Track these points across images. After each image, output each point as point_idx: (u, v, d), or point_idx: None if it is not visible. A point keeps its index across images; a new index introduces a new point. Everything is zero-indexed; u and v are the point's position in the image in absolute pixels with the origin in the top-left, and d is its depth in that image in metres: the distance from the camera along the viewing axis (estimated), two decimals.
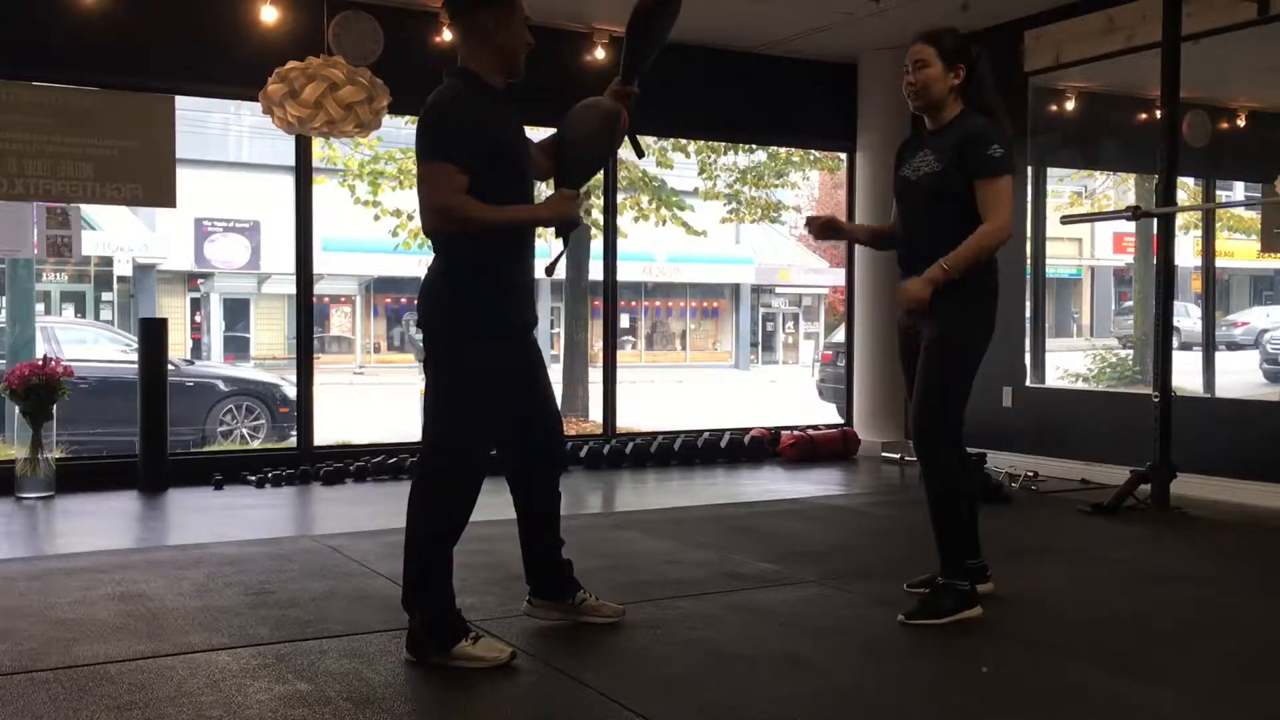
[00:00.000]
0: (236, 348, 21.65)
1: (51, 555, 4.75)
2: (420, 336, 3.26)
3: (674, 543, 4.90)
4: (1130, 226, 7.70)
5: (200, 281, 21.52)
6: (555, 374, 7.86)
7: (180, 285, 21.32)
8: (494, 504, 3.35)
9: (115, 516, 5.75)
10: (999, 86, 3.90)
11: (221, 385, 10.05)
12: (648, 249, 20.58)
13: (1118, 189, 10.39)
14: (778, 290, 28.09)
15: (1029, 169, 7.36)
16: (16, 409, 6.17)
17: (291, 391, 8.35)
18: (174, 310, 19.66)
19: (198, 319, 21.77)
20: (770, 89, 8.08)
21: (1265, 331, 12.03)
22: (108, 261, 19.02)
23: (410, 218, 11.47)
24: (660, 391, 17.76)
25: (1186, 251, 8.76)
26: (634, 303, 25.80)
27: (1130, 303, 13.40)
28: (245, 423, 9.86)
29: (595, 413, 8.19)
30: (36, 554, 4.79)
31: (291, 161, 7.07)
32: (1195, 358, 8.32)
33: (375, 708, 2.81)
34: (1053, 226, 7.55)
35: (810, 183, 23.63)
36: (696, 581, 4.15)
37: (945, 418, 3.64)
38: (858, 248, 8.21)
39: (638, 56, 3.30)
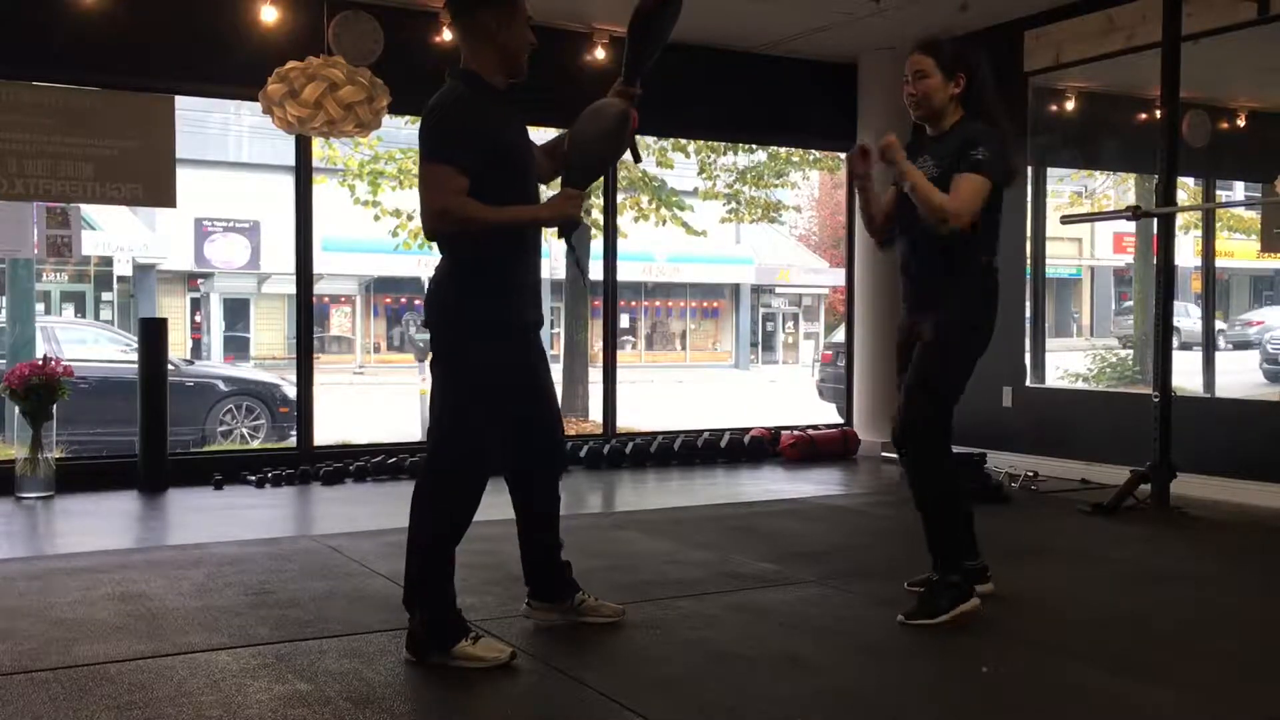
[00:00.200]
0: (236, 348, 21.65)
1: (51, 555, 4.75)
2: (425, 337, 3.26)
3: (674, 543, 4.90)
4: (1130, 226, 7.70)
5: (200, 281, 21.52)
6: (555, 374, 7.86)
7: (180, 285, 21.32)
8: (494, 504, 3.35)
9: (115, 516, 5.75)
10: (1001, 89, 3.89)
11: (221, 385, 10.06)
12: (648, 249, 20.57)
13: (1118, 189, 10.39)
14: (778, 290, 28.10)
15: (1029, 169, 7.37)
16: (16, 409, 6.17)
17: (291, 391, 8.35)
18: (174, 310, 19.66)
19: (198, 319, 21.77)
20: (770, 89, 8.08)
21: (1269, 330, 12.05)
22: (108, 261, 19.01)
23: (410, 218, 11.47)
24: (660, 391, 17.76)
25: (1186, 251, 8.76)
26: (634, 303, 25.80)
27: (1130, 303, 13.40)
28: (245, 423, 9.86)
29: (595, 413, 8.19)
30: (36, 554, 4.80)
31: (291, 161, 7.07)
32: (1195, 357, 8.32)
33: (375, 708, 2.81)
34: (1053, 226, 7.55)
35: (810, 183, 23.64)
36: (696, 581, 4.15)
37: (935, 418, 3.63)
38: (857, 248, 8.21)
39: (640, 57, 3.30)
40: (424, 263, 20.46)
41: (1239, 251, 12.05)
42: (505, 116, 3.22)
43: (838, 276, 21.56)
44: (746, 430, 8.19)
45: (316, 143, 7.45)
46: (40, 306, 14.72)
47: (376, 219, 11.43)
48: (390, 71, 6.39)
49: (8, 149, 6.11)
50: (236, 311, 22.16)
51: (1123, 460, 6.08)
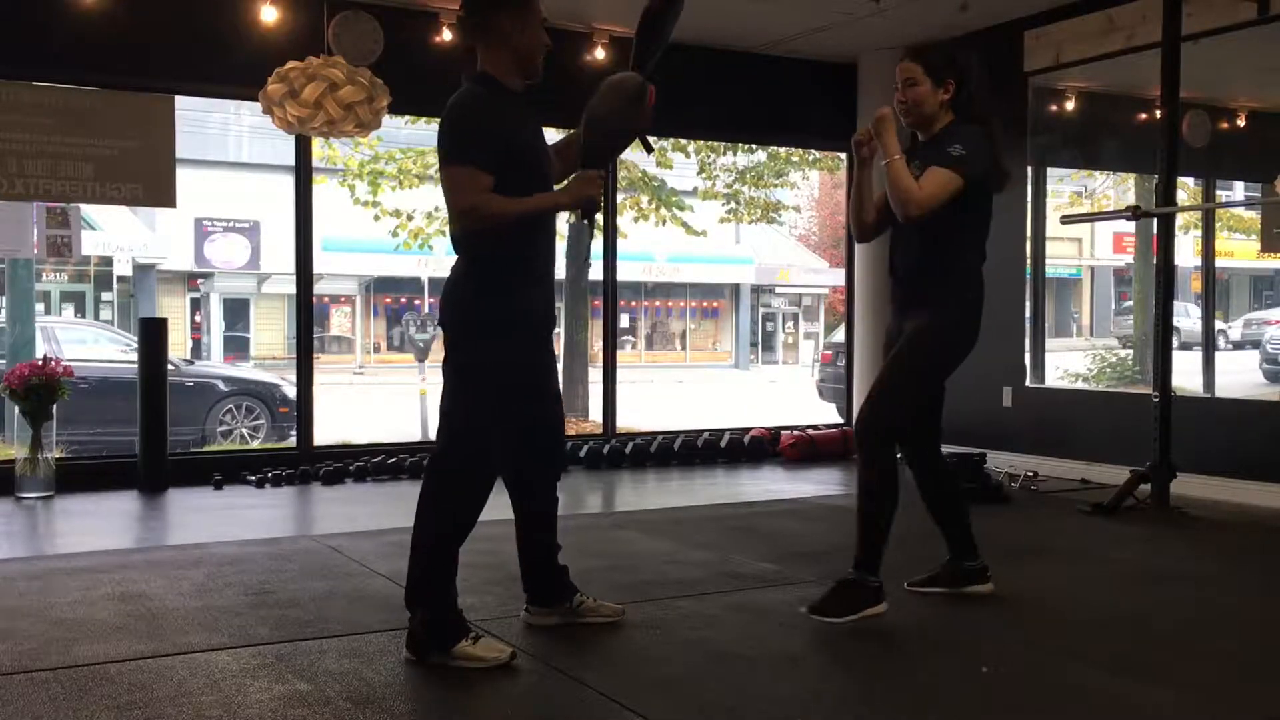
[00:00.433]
0: (236, 348, 21.65)
1: (51, 555, 4.75)
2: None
3: (674, 543, 4.90)
4: (1130, 226, 7.70)
5: (200, 281, 21.51)
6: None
7: (180, 285, 21.32)
8: (495, 504, 3.35)
9: (115, 516, 5.75)
10: (998, 89, 3.88)
11: (221, 385, 10.06)
12: (648, 249, 20.58)
13: (1118, 189, 10.38)
14: (778, 290, 28.09)
15: (1029, 169, 7.37)
16: (16, 409, 6.17)
17: (291, 391, 8.35)
18: (174, 310, 19.65)
19: (198, 319, 21.77)
20: (770, 89, 8.08)
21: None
22: (108, 261, 19.01)
23: (409, 218, 11.47)
24: (660, 391, 17.76)
25: (1186, 251, 8.75)
26: (634, 303, 25.80)
27: (1130, 303, 13.39)
28: (245, 423, 9.86)
29: (595, 413, 8.19)
30: (36, 554, 4.80)
31: (291, 161, 7.08)
32: (1195, 357, 8.32)
33: (375, 708, 2.81)
34: (1053, 226, 7.55)
35: (810, 183, 23.64)
36: (696, 581, 4.15)
37: (889, 417, 3.63)
38: (857, 248, 8.21)
39: (648, 55, 3.30)
40: (424, 263, 20.59)
41: (1239, 251, 12.04)
42: (521, 118, 3.24)
43: (838, 276, 21.56)
44: (746, 430, 8.19)
45: (316, 143, 7.45)
46: (40, 306, 14.72)
47: (376, 219, 11.43)
48: (390, 71, 6.39)
49: (8, 149, 6.11)
50: (236, 311, 22.15)
51: (1123, 460, 6.08)
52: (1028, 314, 7.44)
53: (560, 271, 3.67)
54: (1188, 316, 9.41)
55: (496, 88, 3.20)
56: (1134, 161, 8.67)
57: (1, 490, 6.11)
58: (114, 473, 6.54)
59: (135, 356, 6.89)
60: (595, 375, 8.37)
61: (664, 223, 12.24)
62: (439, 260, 19.80)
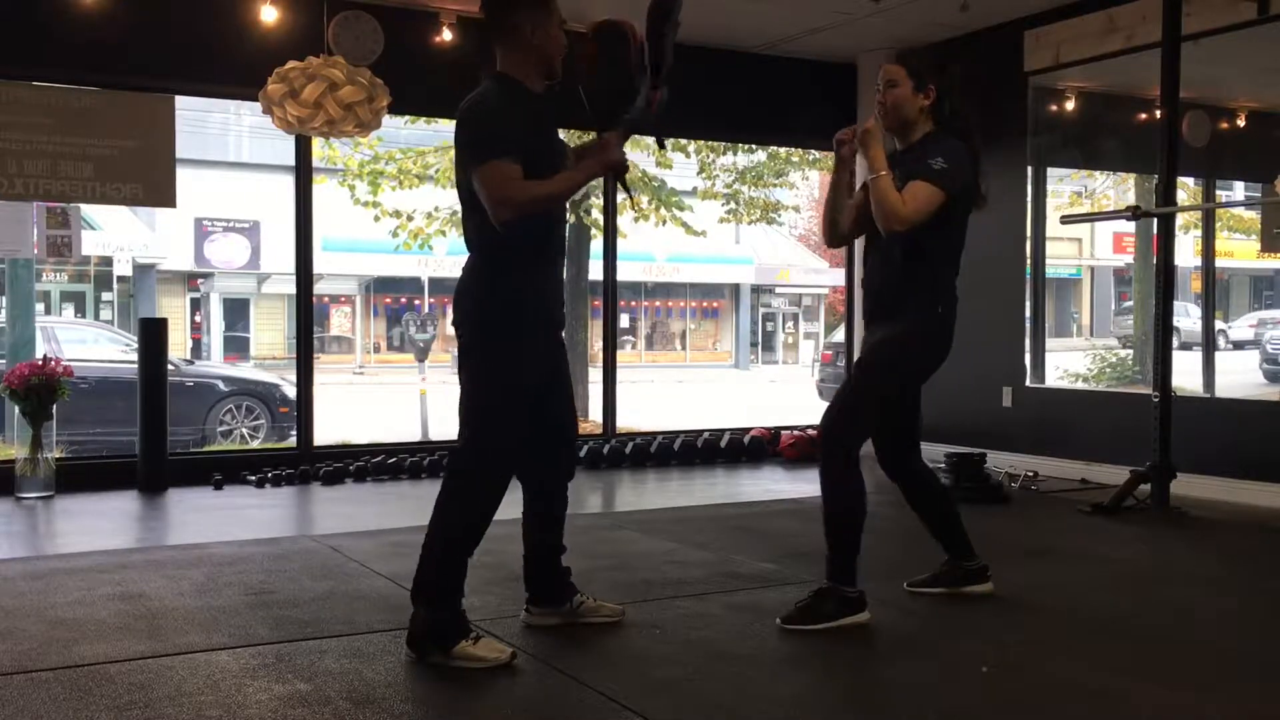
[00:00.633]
0: (236, 348, 21.65)
1: (51, 555, 4.75)
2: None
3: (674, 543, 4.90)
4: (1130, 226, 7.69)
5: (200, 281, 21.51)
6: None
7: (180, 285, 21.32)
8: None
9: (115, 516, 5.75)
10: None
11: (221, 385, 10.06)
12: (648, 249, 20.58)
13: (1118, 189, 10.38)
14: (778, 290, 28.09)
15: (1029, 169, 7.37)
16: (16, 409, 6.17)
17: (291, 391, 8.35)
18: (174, 310, 19.65)
19: (198, 319, 21.77)
20: (770, 89, 8.08)
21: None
22: (108, 261, 19.01)
23: (409, 218, 11.47)
24: (660, 391, 17.76)
25: (1186, 251, 8.75)
26: (634, 303, 25.80)
27: (1130, 303, 13.39)
28: (245, 423, 9.86)
29: (595, 413, 8.19)
30: (36, 554, 4.80)
31: (291, 161, 7.08)
32: (1195, 357, 8.32)
33: (375, 708, 2.81)
34: (1053, 226, 7.55)
35: (810, 183, 23.63)
36: (696, 581, 4.15)
37: (851, 427, 3.62)
38: (858, 248, 8.21)
39: (661, 57, 3.32)
40: (424, 263, 20.59)
41: (1239, 251, 12.04)
42: (538, 120, 3.25)
43: (837, 276, 21.56)
44: (746, 430, 8.19)
45: (316, 143, 7.45)
46: (40, 306, 14.73)
47: (376, 219, 11.42)
48: (390, 71, 6.40)
49: (8, 149, 6.11)
50: (236, 311, 22.15)
51: (1123, 460, 6.08)
52: (1028, 314, 7.44)
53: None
54: (1188, 316, 9.41)
55: (515, 87, 3.22)
56: (1134, 161, 8.67)
57: (1, 490, 6.11)
58: (114, 473, 6.54)
59: (135, 356, 6.89)
60: (595, 375, 8.38)
61: (664, 223, 12.24)
62: (439, 260, 19.86)
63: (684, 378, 22.44)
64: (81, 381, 7.35)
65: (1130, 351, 10.67)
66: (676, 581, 4.16)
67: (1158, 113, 5.98)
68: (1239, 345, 12.47)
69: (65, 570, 4.34)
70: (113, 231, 18.34)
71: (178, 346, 19.26)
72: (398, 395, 14.41)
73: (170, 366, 6.97)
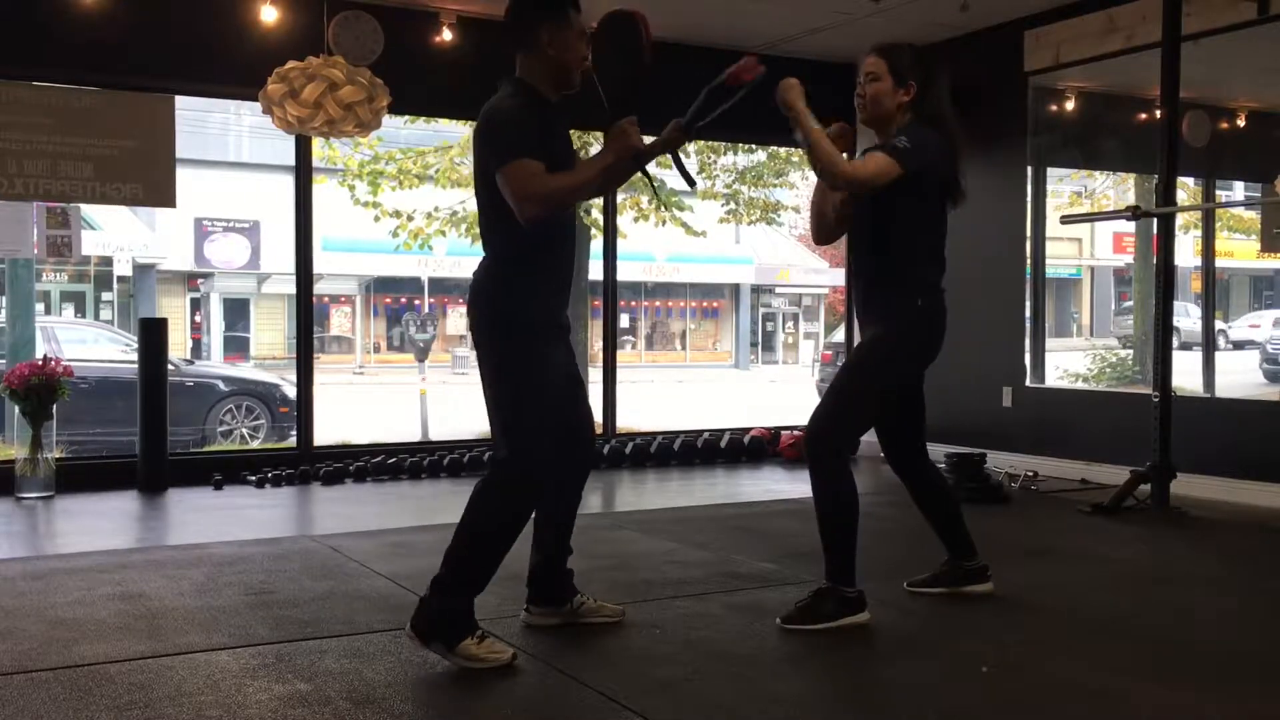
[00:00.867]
0: (236, 348, 21.66)
1: (51, 555, 4.75)
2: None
3: (674, 543, 4.90)
4: (1130, 226, 7.69)
5: (200, 281, 21.52)
6: None
7: (180, 285, 21.32)
8: None
9: (115, 516, 5.75)
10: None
11: (221, 385, 10.06)
12: (648, 249, 20.58)
13: (1118, 189, 10.38)
14: (778, 290, 28.10)
15: (1029, 169, 7.37)
16: (16, 409, 6.17)
17: (291, 391, 8.35)
18: (174, 310, 19.65)
19: (198, 319, 21.77)
20: (770, 89, 8.05)
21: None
22: (108, 261, 19.01)
23: (409, 218, 11.47)
24: (660, 391, 17.76)
25: (1186, 251, 8.75)
26: (634, 303, 25.80)
27: (1130, 303, 13.39)
28: (245, 423, 9.86)
29: (595, 413, 8.18)
30: (36, 554, 4.80)
31: (291, 161, 7.08)
32: (1195, 357, 8.32)
33: (375, 707, 2.81)
34: (1053, 226, 7.55)
35: (809, 182, 23.62)
36: (696, 581, 4.15)
37: (838, 428, 3.61)
38: None
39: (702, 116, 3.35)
40: (424, 263, 20.60)
41: (1239, 251, 12.04)
42: (552, 127, 3.27)
43: (837, 276, 21.56)
44: (746, 430, 8.19)
45: (316, 143, 7.45)
46: (40, 306, 14.73)
47: (376, 219, 11.43)
48: (390, 71, 6.40)
49: (8, 149, 6.11)
50: (236, 311, 22.15)
51: (1123, 460, 6.08)
52: (1028, 314, 7.43)
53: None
54: (1188, 316, 9.41)
55: (532, 94, 3.24)
56: (1134, 161, 8.67)
57: (1, 490, 6.11)
58: (114, 473, 6.54)
59: (135, 356, 6.89)
60: (595, 375, 8.38)
61: (663, 223, 12.25)
62: (439, 260, 19.88)
63: (684, 378, 22.44)
64: (81, 381, 7.35)
65: (1130, 351, 10.68)
66: (676, 581, 4.16)
67: (1158, 113, 5.98)
68: (1239, 345, 12.47)
69: (65, 570, 4.34)
70: (113, 231, 18.34)
71: (178, 346, 19.26)
72: (398, 395, 14.42)
73: (170, 366, 6.97)
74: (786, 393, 17.68)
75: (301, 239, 7.01)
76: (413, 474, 6.97)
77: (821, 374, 15.04)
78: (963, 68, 7.18)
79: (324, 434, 7.55)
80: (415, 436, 10.61)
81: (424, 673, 3.09)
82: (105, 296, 20.11)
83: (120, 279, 19.53)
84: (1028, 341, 7.45)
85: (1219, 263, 9.27)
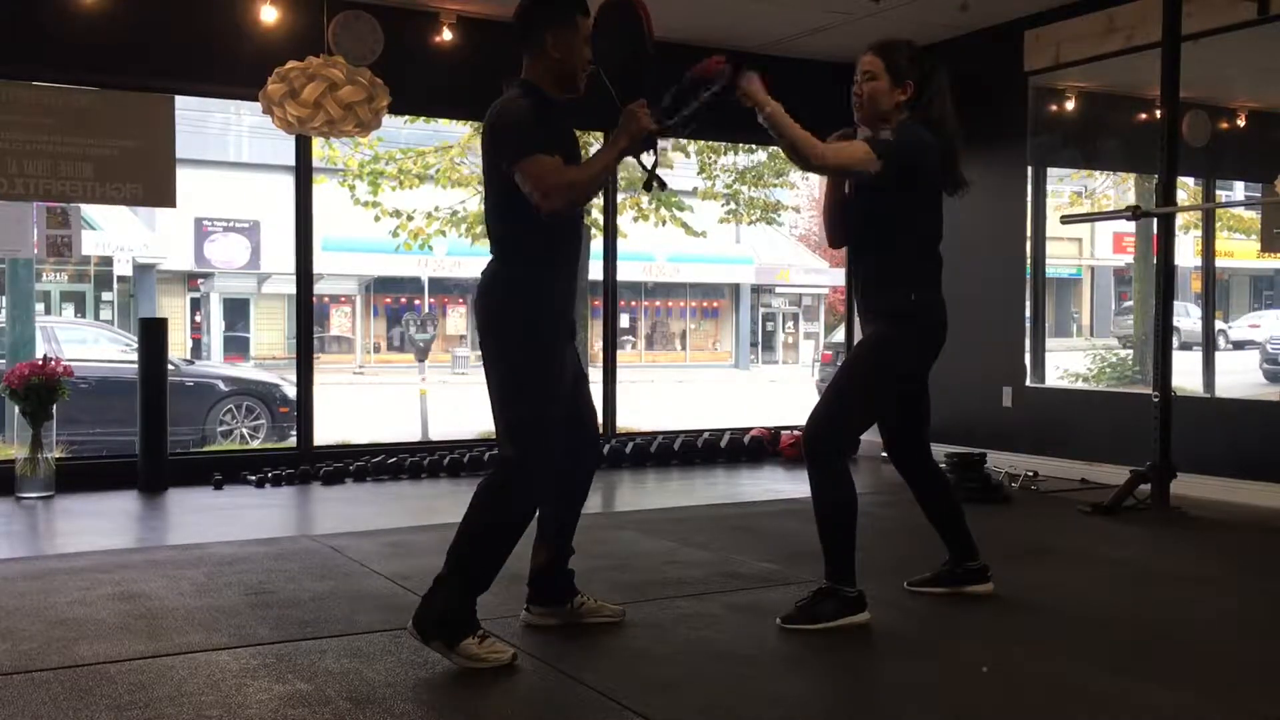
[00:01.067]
0: (236, 348, 21.66)
1: (51, 555, 4.75)
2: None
3: (674, 543, 4.90)
4: (1130, 226, 7.70)
5: (200, 281, 21.52)
6: None
7: (180, 285, 21.32)
8: None
9: (115, 516, 5.75)
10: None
11: (221, 385, 10.06)
12: (648, 249, 20.58)
13: (1118, 189, 10.38)
14: (778, 290, 28.09)
15: (1029, 169, 7.37)
16: (16, 409, 6.17)
17: (291, 391, 8.35)
18: (174, 310, 19.66)
19: (198, 319, 21.77)
20: (770, 89, 8.06)
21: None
22: (108, 261, 19.02)
23: (409, 218, 11.47)
24: (660, 391, 17.76)
25: (1186, 251, 8.75)
26: (634, 303, 25.80)
27: (1130, 303, 13.39)
28: (245, 423, 9.86)
29: (596, 412, 8.20)
30: (36, 554, 4.80)
31: (291, 161, 7.07)
32: (1195, 357, 8.32)
33: (375, 707, 2.81)
34: (1053, 226, 7.55)
35: (810, 182, 23.64)
36: (696, 581, 4.15)
37: (836, 428, 3.61)
38: None
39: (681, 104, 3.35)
40: (424, 263, 20.60)
41: (1239, 251, 12.04)
42: (560, 128, 3.30)
43: (838, 276, 21.56)
44: (746, 430, 8.19)
45: (316, 143, 7.45)
46: (40, 306, 14.73)
47: (376, 219, 11.43)
48: (390, 71, 6.39)
49: (8, 149, 6.11)
50: (236, 311, 22.16)
51: (1123, 460, 6.08)
52: (1028, 314, 7.43)
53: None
54: (1188, 316, 9.41)
55: (539, 95, 3.26)
56: (1134, 161, 8.67)
57: (1, 490, 6.11)
58: (114, 473, 6.54)
59: (135, 356, 6.89)
60: (595, 375, 8.37)
61: (664, 223, 12.25)
62: (439, 260, 19.88)
63: (684, 378, 22.44)
64: (81, 381, 7.35)
65: (1130, 351, 10.68)
66: (676, 581, 4.16)
67: (1158, 113, 5.98)
68: (1239, 345, 12.47)
69: (65, 570, 4.34)
70: (113, 231, 18.34)
71: (178, 346, 19.27)
72: (398, 395, 14.42)
73: (170, 366, 6.97)
74: (786, 393, 17.68)
75: (301, 239, 7.01)
76: (413, 474, 6.97)
77: (821, 374, 15.03)
78: (963, 68, 7.17)
79: (324, 434, 7.55)
80: (415, 436, 10.61)
81: (424, 673, 3.09)
82: (105, 296, 20.11)
83: (120, 279, 19.53)
84: (1028, 341, 7.45)
85: (1219, 263, 9.28)
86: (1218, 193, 9.59)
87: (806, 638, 3.45)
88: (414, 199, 11.44)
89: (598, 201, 9.26)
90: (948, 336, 3.73)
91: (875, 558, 4.62)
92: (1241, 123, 8.14)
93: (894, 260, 3.64)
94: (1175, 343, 6.25)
